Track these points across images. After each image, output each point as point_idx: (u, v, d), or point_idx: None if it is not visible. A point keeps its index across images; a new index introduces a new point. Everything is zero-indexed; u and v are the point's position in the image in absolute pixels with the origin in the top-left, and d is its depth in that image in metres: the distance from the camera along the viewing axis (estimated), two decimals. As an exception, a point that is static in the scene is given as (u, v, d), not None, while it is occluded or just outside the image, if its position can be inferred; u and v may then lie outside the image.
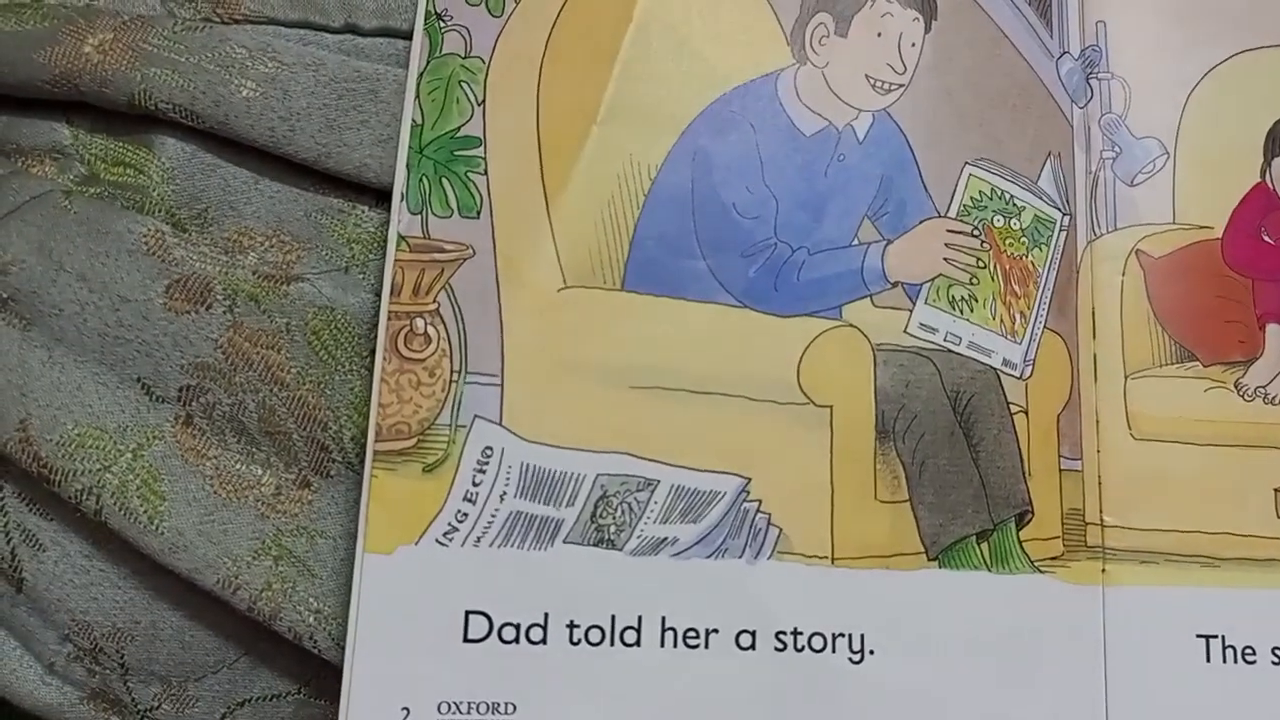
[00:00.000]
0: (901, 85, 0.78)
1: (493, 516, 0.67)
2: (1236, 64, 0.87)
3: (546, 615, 0.67)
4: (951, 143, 0.78)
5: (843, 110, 0.77)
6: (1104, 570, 0.78)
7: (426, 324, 0.69)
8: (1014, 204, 0.79)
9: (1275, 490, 0.80)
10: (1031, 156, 0.80)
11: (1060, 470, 0.78)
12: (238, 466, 0.67)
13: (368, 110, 0.72)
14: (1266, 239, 0.88)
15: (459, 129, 0.73)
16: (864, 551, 0.72)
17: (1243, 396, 0.83)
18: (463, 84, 0.74)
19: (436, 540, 0.66)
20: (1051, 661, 0.74)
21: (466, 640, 0.65)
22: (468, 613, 0.65)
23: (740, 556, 0.70)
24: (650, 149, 0.73)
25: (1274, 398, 0.84)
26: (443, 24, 0.75)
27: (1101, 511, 0.78)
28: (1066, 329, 0.80)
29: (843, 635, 0.70)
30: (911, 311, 0.75)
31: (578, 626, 0.67)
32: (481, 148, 0.73)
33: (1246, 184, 0.86)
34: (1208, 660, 0.76)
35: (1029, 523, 0.75)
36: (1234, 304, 0.85)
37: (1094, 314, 0.81)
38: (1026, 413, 0.78)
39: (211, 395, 0.67)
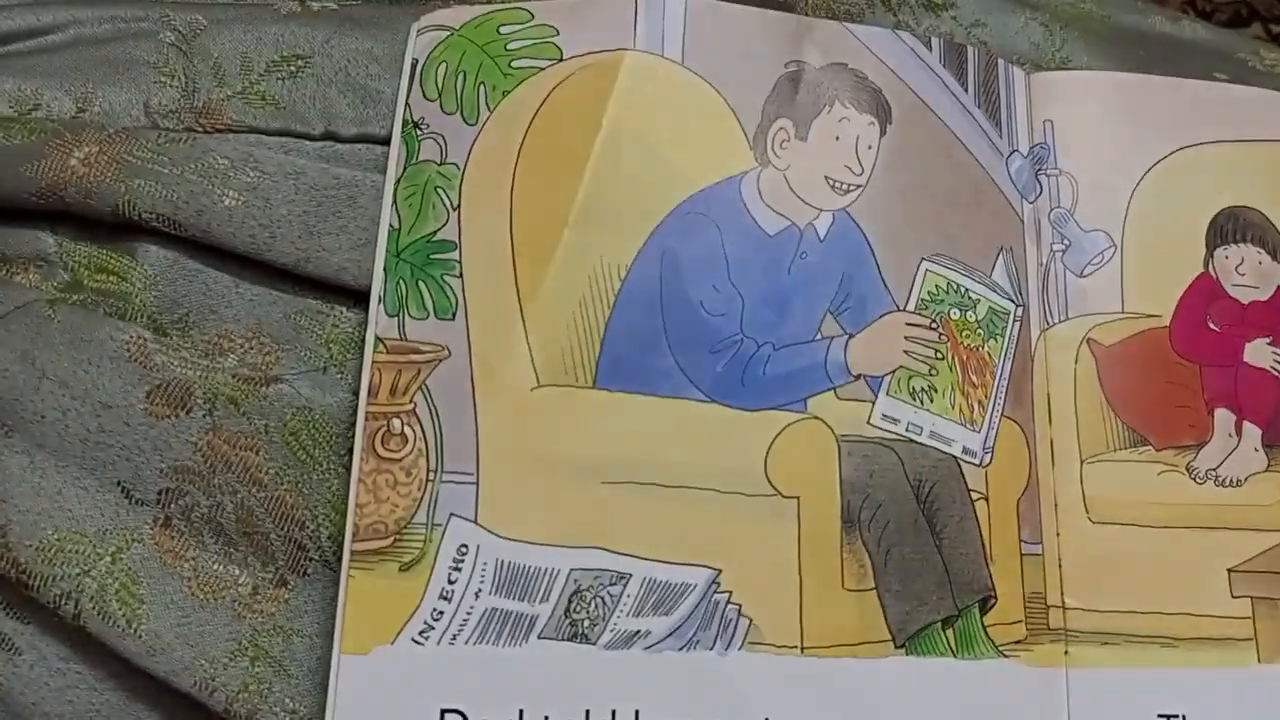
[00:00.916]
0: (859, 186, 0.76)
1: (468, 614, 0.64)
2: (1179, 159, 0.85)
3: (521, 712, 0.63)
4: (908, 240, 0.76)
5: (804, 210, 0.75)
6: (1066, 652, 0.74)
7: (403, 424, 0.66)
8: (969, 297, 0.77)
9: (1229, 570, 0.78)
10: (985, 251, 0.78)
11: (1021, 554, 0.75)
12: (215, 567, 0.64)
13: (346, 215, 0.70)
14: (1212, 326, 0.86)
15: (435, 233, 0.71)
16: (833, 640, 0.69)
17: (1195, 479, 0.80)
18: (438, 190, 0.71)
19: (412, 639, 0.63)
20: None
21: (443, 740, 0.61)
22: (444, 711, 0.62)
23: (712, 648, 0.67)
24: (620, 250, 0.71)
25: (1225, 480, 0.81)
26: (419, 132, 0.73)
27: (1062, 594, 0.76)
28: (1023, 416, 0.77)
29: None
30: (874, 403, 0.73)
31: None
32: (456, 251, 0.70)
33: (1191, 274, 0.84)
34: None
35: (992, 608, 0.73)
36: (1183, 389, 0.83)
37: (1049, 401, 0.79)
38: (987, 499, 0.75)
39: (190, 497, 0.64)
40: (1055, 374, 0.80)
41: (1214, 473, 0.82)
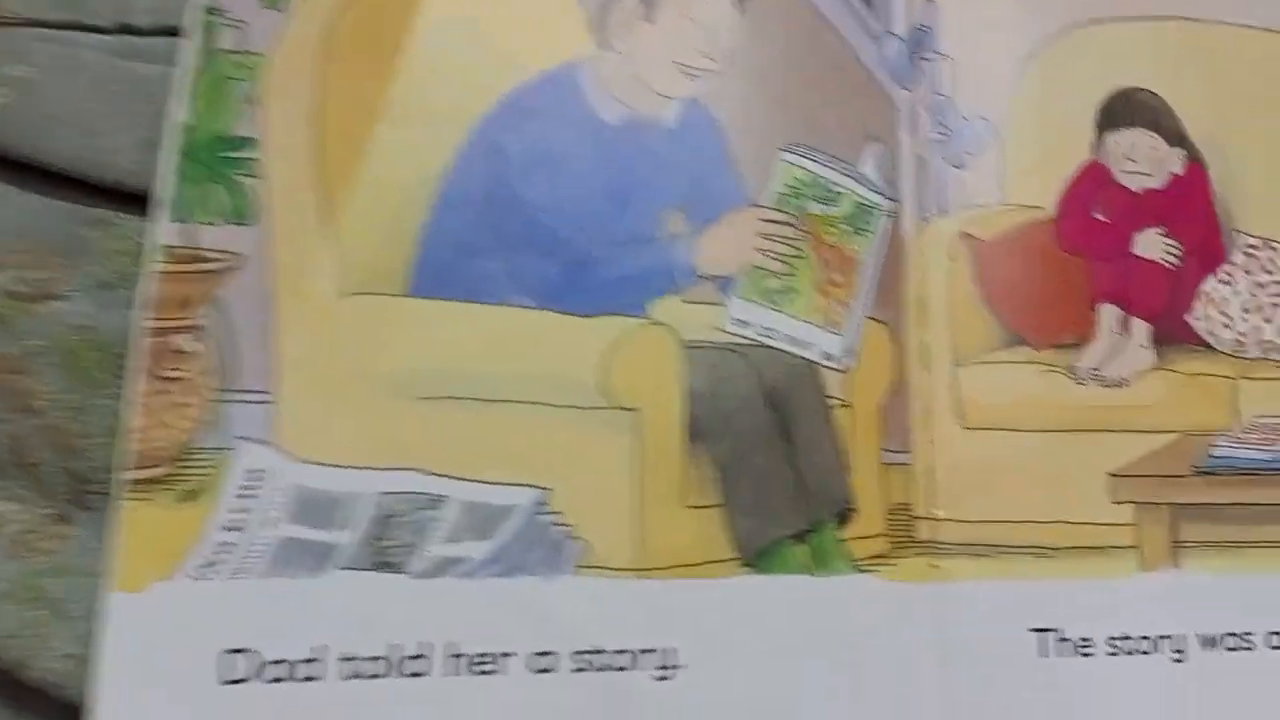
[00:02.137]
0: (713, 71, 0.64)
1: (261, 546, 0.53)
2: (1068, 40, 0.72)
3: (321, 649, 0.53)
4: (765, 129, 0.64)
5: (650, 98, 0.63)
6: (935, 566, 0.64)
7: (188, 341, 0.55)
8: (833, 191, 0.65)
9: (1109, 475, 0.67)
10: (852, 142, 0.66)
11: (884, 464, 0.65)
12: (-14, 502, 0.54)
13: (134, 113, 0.58)
14: (1099, 217, 0.74)
15: (232, 130, 0.59)
16: (674, 560, 0.58)
17: (1076, 380, 0.69)
18: (237, 81, 0.60)
19: (193, 574, 0.52)
20: (881, 662, 0.60)
21: (227, 682, 0.52)
22: (228, 651, 0.52)
23: (537, 573, 0.56)
24: (441, 145, 0.59)
25: (1109, 379, 0.70)
26: (218, 18, 0.60)
27: (932, 505, 0.65)
28: (892, 318, 0.66)
29: (650, 651, 0.57)
30: (723, 306, 0.62)
31: (355, 659, 0.53)
32: (256, 149, 0.59)
33: (1078, 161, 0.71)
34: (1043, 654, 0.63)
35: (851, 521, 0.62)
36: (1066, 285, 0.71)
37: (922, 301, 0.68)
38: (848, 406, 0.64)
39: (-47, 426, 0.53)
40: (929, 272, 0.68)
41: (1097, 372, 0.71)
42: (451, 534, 0.56)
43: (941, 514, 0.65)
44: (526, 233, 0.59)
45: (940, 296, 0.69)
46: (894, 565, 0.64)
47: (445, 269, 0.57)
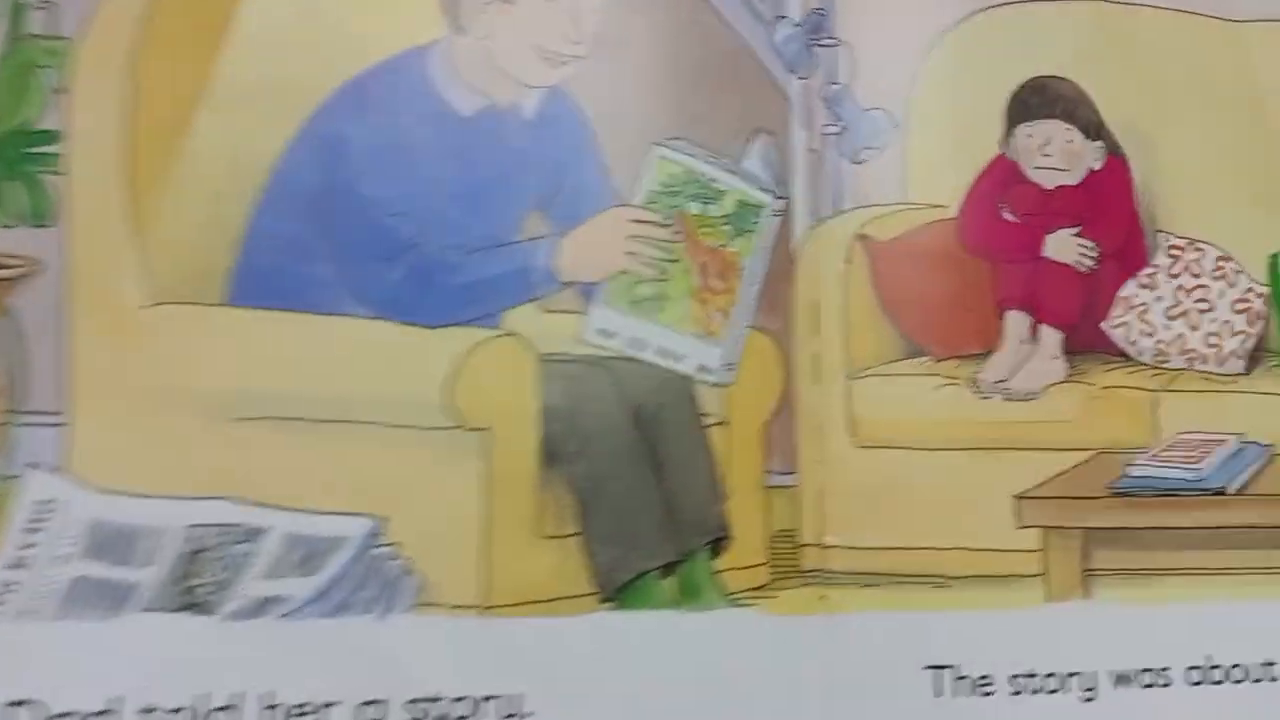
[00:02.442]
0: (578, 57, 0.59)
1: (50, 584, 0.49)
2: (975, 24, 0.68)
3: (116, 700, 0.49)
4: (638, 121, 0.60)
5: (508, 87, 0.59)
6: (823, 597, 0.61)
7: None
8: (713, 188, 0.61)
9: (1015, 497, 0.63)
10: (737, 135, 0.62)
11: (767, 488, 0.61)
12: None
13: None
14: (1008, 217, 0.70)
15: (35, 122, 0.54)
16: (524, 596, 0.54)
17: (980, 393, 0.65)
18: (44, 69, 0.55)
19: None
20: (761, 704, 0.57)
21: (3, 741, 0.48)
22: (9, 704, 0.48)
23: (369, 612, 0.52)
24: (268, 136, 0.55)
25: (1016, 393, 0.66)
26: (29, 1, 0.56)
27: (822, 531, 0.61)
28: (779, 327, 0.62)
29: (495, 697, 0.52)
30: (586, 315, 0.58)
31: (155, 711, 0.49)
32: (60, 144, 0.54)
33: (985, 157, 0.68)
34: (939, 694, 0.60)
35: (726, 550, 0.59)
36: (970, 290, 0.67)
37: (813, 308, 0.64)
38: (726, 424, 0.60)
39: None
40: (822, 276, 0.64)
41: (1003, 385, 0.67)
42: (271, 570, 0.51)
43: (831, 541, 0.62)
44: (365, 235, 0.54)
45: (834, 303, 0.65)
46: (775, 597, 0.60)
47: (270, 274, 0.53)
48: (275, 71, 0.55)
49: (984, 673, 0.60)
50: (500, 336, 0.56)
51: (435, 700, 0.53)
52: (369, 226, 0.56)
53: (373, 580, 0.53)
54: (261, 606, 0.51)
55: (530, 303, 0.57)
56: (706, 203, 0.62)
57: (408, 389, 0.55)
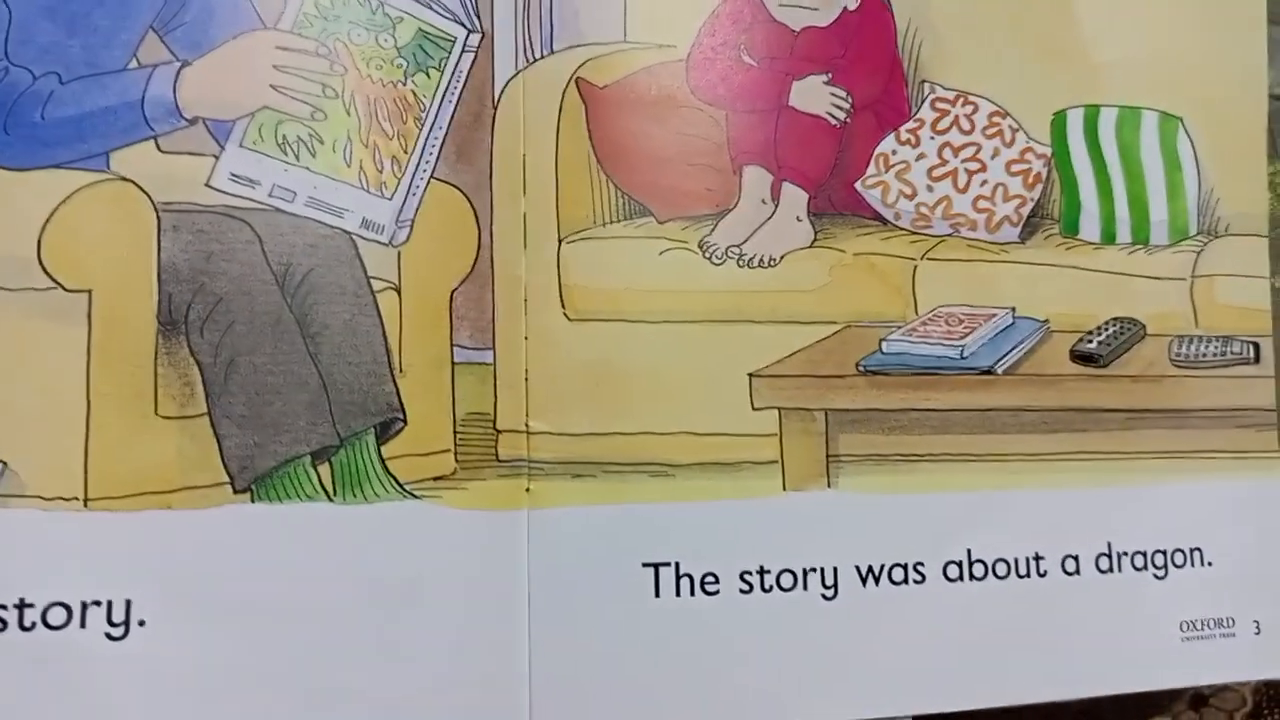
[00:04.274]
0: None
1: None
2: None
3: None
4: None
5: None
6: (529, 490, 0.59)
7: None
8: (385, 14, 0.59)
9: (750, 376, 0.63)
10: None
11: (456, 365, 0.59)
12: None
13: None
14: (748, 60, 0.70)
15: None
16: (136, 488, 0.53)
17: (710, 259, 0.66)
18: None
19: None
20: (445, 611, 0.56)
21: None
22: None
23: None
24: None
25: (753, 258, 0.67)
26: None
27: (527, 415, 0.60)
28: (471, 180, 0.62)
29: (97, 604, 0.51)
30: (218, 158, 0.56)
31: None
32: None
33: None
34: (658, 594, 0.59)
35: (398, 434, 0.57)
36: (701, 143, 0.67)
37: (516, 161, 0.62)
38: (398, 290, 0.59)
39: None
40: (529, 125, 0.64)
41: (738, 250, 0.67)
42: None
43: (535, 426, 0.61)
44: None
45: (542, 157, 0.65)
46: (465, 490, 0.59)
47: None
48: None
49: (709, 570, 0.61)
50: (105, 181, 0.55)
51: (26, 607, 0.51)
52: (-62, 48, 0.53)
53: (-61, 469, 0.51)
54: None
55: (146, 142, 0.55)
56: (376, 31, 0.61)
57: None
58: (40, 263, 0.55)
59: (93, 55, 0.58)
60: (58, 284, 0.55)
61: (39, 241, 0.55)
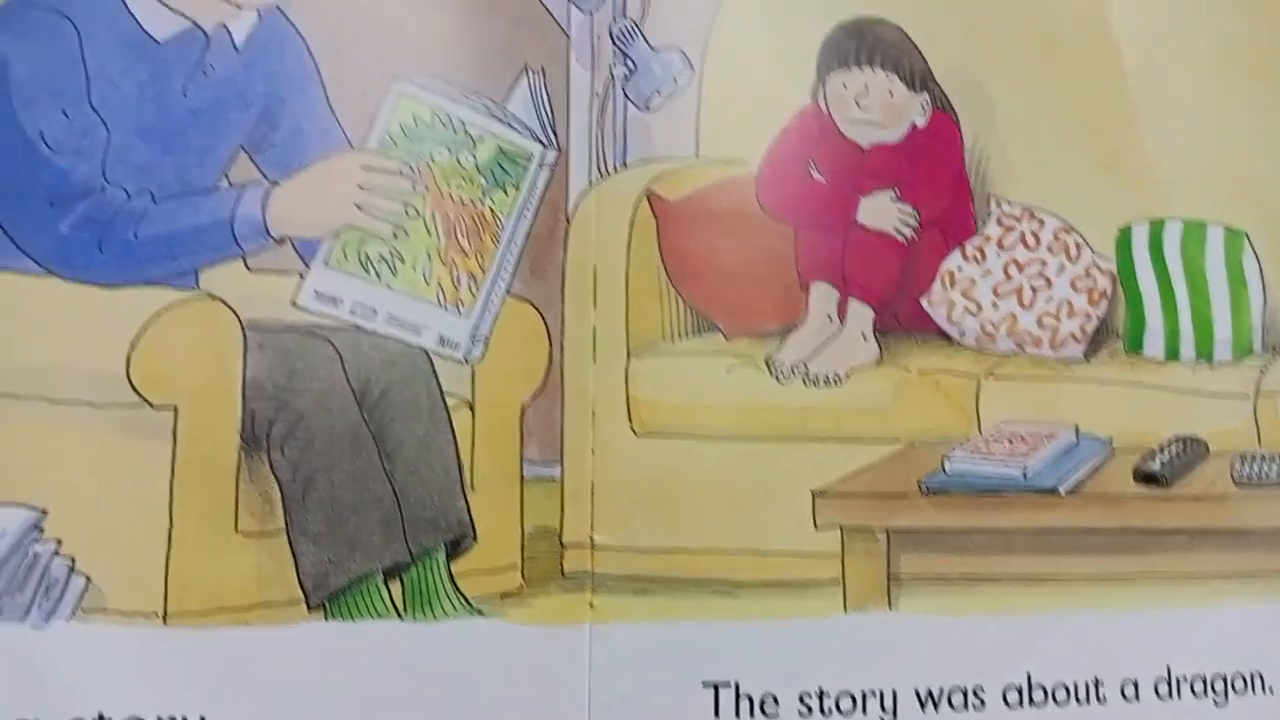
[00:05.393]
0: None
1: None
2: None
3: None
4: (374, 51, 0.64)
5: (214, 7, 0.62)
6: (592, 605, 0.64)
7: None
8: (467, 133, 0.64)
9: (814, 494, 0.68)
10: (501, 72, 0.67)
11: (525, 480, 0.64)
12: None
13: None
14: (817, 175, 0.75)
15: None
16: (214, 604, 0.58)
17: (777, 376, 0.70)
18: None
19: None
20: None
21: None
22: None
23: (24, 619, 0.55)
24: None
25: (819, 376, 0.71)
26: None
27: (591, 529, 0.65)
28: (544, 295, 0.66)
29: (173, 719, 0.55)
30: (304, 277, 0.61)
31: None
32: None
33: (793, 107, 0.73)
34: (717, 714, 0.63)
35: (468, 551, 0.62)
36: (770, 258, 0.72)
37: (590, 276, 0.67)
38: (472, 406, 0.63)
39: None
40: (601, 239, 0.69)
41: (804, 367, 0.72)
42: None
43: (600, 540, 0.65)
44: (30, 176, 0.57)
45: (614, 271, 0.69)
46: (530, 605, 0.63)
47: None
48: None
49: (769, 691, 0.65)
50: (194, 299, 0.59)
51: (102, 722, 0.55)
52: (34, 167, 0.58)
53: (29, 582, 0.56)
54: (-114, 612, 0.54)
55: (234, 260, 0.60)
56: (456, 150, 0.65)
57: (79, 358, 0.58)
58: (129, 379, 0.60)
59: (185, 174, 0.63)
60: (145, 400, 0.59)
61: (128, 358, 0.60)
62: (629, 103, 0.72)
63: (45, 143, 0.60)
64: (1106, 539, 0.75)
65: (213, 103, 0.63)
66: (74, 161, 0.60)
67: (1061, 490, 0.73)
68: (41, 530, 0.57)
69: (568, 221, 0.70)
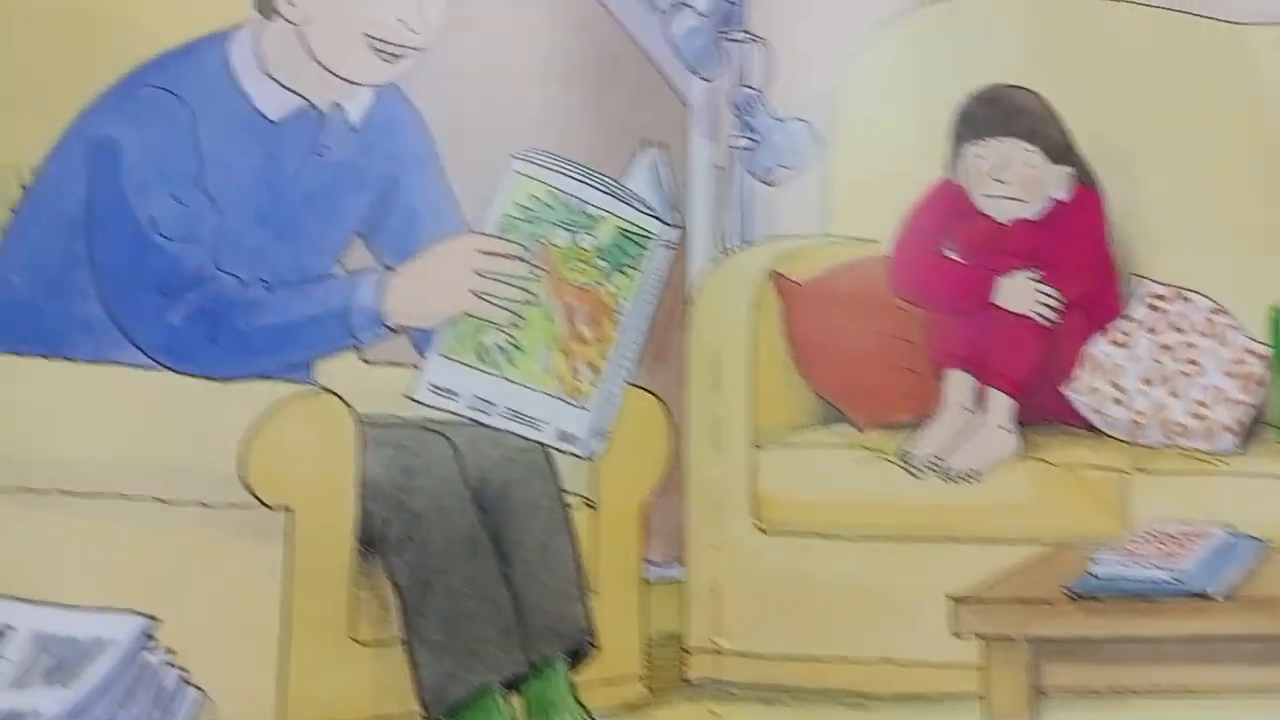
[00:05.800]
0: (418, 49, 0.61)
1: None
2: (915, 19, 0.72)
3: None
4: (492, 128, 0.63)
5: (329, 85, 0.61)
6: (714, 714, 0.62)
7: None
8: (585, 213, 0.63)
9: (952, 600, 0.65)
10: (619, 148, 0.65)
11: (645, 582, 0.63)
12: None
13: None
14: (951, 255, 0.73)
15: None
16: (331, 715, 0.56)
17: (912, 470, 0.68)
18: None
19: None
20: None
21: None
22: None
23: None
24: (22, 143, 0.56)
25: (954, 472, 0.69)
26: None
27: (715, 633, 0.63)
28: (668, 385, 0.64)
29: None
30: (419, 369, 0.60)
31: None
32: None
33: (926, 182, 0.72)
34: None
35: (589, 659, 0.60)
36: (902, 345, 0.70)
37: (714, 362, 0.66)
38: (593, 505, 0.62)
39: None
40: (724, 323, 0.67)
41: (940, 461, 0.70)
42: (16, 678, 0.52)
43: (726, 645, 0.64)
44: (138, 264, 0.56)
45: (738, 357, 0.67)
46: (653, 718, 0.61)
47: (19, 313, 0.54)
48: (32, 65, 0.57)
49: None
50: (310, 393, 0.58)
51: (211, 846, 0.54)
52: (144, 254, 0.58)
53: (142, 693, 0.54)
54: (-4, 727, 0.53)
55: (349, 352, 0.59)
56: (576, 231, 0.64)
57: (190, 456, 0.57)
58: (243, 479, 0.60)
59: (299, 260, 0.62)
60: (260, 500, 0.59)
61: (243, 457, 0.60)
62: (752, 177, 0.71)
63: (156, 229, 0.60)
64: (1266, 647, 0.72)
65: (328, 185, 0.62)
66: (185, 248, 0.60)
67: (1216, 595, 0.72)
68: (153, 639, 0.57)
69: (688, 304, 0.69)
